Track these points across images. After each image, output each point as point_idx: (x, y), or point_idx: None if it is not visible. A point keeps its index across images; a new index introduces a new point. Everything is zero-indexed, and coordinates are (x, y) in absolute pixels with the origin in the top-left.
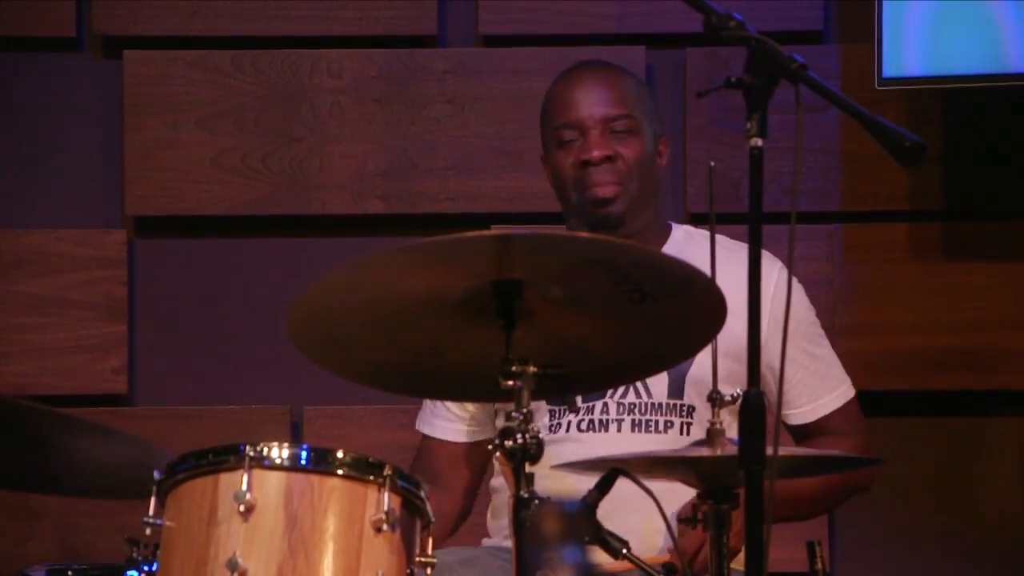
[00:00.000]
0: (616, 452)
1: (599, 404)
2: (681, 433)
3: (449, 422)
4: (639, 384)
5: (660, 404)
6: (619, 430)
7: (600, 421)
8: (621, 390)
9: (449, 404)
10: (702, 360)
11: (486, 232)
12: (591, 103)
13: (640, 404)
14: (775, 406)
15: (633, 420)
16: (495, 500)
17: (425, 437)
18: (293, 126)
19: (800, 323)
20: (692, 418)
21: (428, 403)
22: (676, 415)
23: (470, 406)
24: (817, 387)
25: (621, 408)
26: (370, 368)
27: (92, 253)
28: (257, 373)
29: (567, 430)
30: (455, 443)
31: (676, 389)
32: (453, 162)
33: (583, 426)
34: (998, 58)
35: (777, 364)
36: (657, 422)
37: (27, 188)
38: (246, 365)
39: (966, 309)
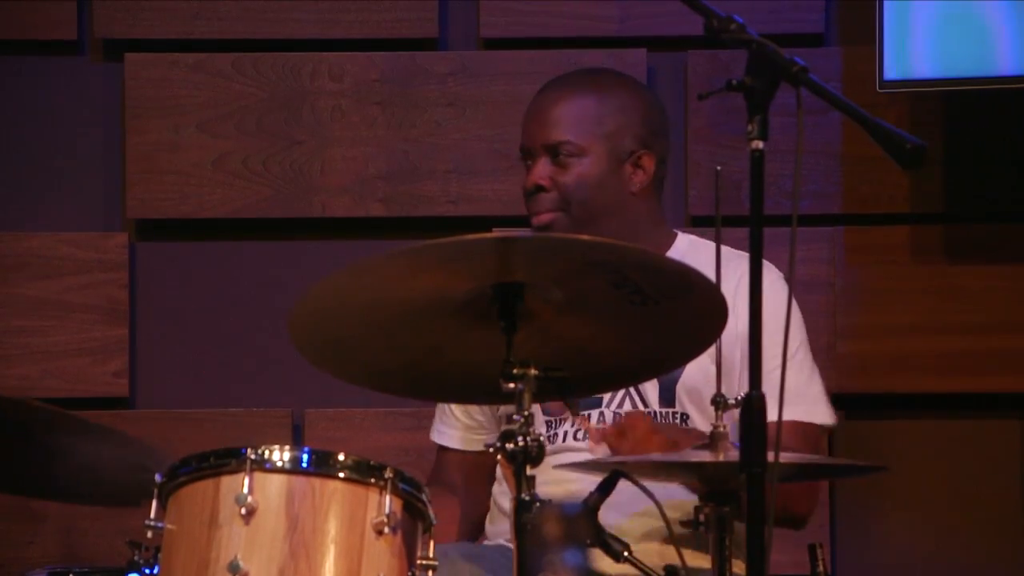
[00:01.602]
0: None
1: (595, 413)
2: None
3: (457, 430)
4: (635, 393)
5: (654, 413)
6: None
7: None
8: (617, 399)
9: (456, 413)
10: (693, 367)
11: (487, 235)
12: (535, 130)
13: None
14: None
15: None
16: (494, 506)
17: (439, 448)
18: (294, 129)
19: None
20: (687, 425)
21: (438, 412)
22: (670, 423)
23: (478, 413)
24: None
25: (617, 418)
26: (371, 371)
27: (93, 256)
28: (258, 376)
29: (563, 440)
30: (465, 451)
31: (667, 397)
32: (454, 165)
33: (579, 435)
34: (999, 61)
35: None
36: None
37: (28, 191)
38: (247, 368)
39: (967, 311)
